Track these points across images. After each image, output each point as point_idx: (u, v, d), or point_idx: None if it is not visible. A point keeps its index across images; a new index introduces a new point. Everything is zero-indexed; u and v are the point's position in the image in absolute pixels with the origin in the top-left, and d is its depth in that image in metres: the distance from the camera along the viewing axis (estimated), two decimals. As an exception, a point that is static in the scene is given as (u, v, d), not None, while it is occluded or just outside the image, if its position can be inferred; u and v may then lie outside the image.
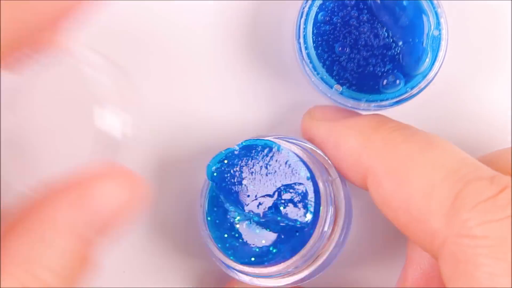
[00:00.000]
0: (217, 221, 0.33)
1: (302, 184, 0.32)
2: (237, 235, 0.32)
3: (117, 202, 0.25)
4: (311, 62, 0.34)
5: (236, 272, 0.33)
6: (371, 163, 0.30)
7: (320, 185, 0.32)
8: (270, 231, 0.32)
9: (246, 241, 0.32)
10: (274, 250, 0.32)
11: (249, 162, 0.32)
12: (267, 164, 0.32)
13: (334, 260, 0.34)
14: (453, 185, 0.27)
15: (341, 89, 0.34)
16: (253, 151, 0.32)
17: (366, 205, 0.36)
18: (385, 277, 0.37)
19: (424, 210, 0.28)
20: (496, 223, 0.26)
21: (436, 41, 0.34)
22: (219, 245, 0.32)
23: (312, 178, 0.32)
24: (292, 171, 0.32)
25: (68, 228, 0.24)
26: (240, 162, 0.32)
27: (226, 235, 0.32)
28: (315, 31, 0.34)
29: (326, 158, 0.34)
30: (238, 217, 0.32)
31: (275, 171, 0.32)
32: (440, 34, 0.34)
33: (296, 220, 0.31)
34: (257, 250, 0.32)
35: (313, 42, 0.34)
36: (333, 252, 0.33)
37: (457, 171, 0.27)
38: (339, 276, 0.37)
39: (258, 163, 0.32)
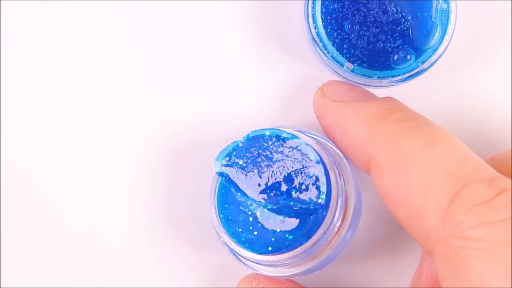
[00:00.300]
0: (230, 217, 0.33)
1: (311, 167, 0.32)
2: (251, 227, 0.32)
3: None
4: (321, 41, 0.34)
5: (255, 264, 0.33)
6: (374, 154, 0.30)
7: (328, 166, 0.32)
8: (284, 217, 0.32)
9: (261, 231, 0.32)
10: (290, 237, 0.32)
11: (257, 152, 0.32)
12: (275, 151, 0.32)
13: (343, 251, 0.34)
14: (452, 185, 0.27)
15: (352, 67, 0.34)
16: (261, 140, 0.32)
17: (376, 201, 0.37)
18: (394, 274, 0.37)
19: (421, 208, 0.28)
20: (490, 226, 0.26)
21: (445, 14, 0.34)
22: (235, 240, 0.32)
23: (321, 160, 0.32)
24: (301, 155, 0.32)
25: None
26: (247, 153, 0.32)
27: (240, 229, 0.32)
28: (323, 10, 0.34)
29: (333, 146, 0.34)
30: (251, 207, 0.32)
31: (283, 158, 0.32)
32: (448, 7, 0.34)
33: (309, 202, 0.31)
34: (273, 239, 0.32)
35: (322, 20, 0.34)
36: (343, 242, 0.33)
37: (457, 171, 0.28)
38: (347, 272, 0.37)
39: (265, 151, 0.32)
